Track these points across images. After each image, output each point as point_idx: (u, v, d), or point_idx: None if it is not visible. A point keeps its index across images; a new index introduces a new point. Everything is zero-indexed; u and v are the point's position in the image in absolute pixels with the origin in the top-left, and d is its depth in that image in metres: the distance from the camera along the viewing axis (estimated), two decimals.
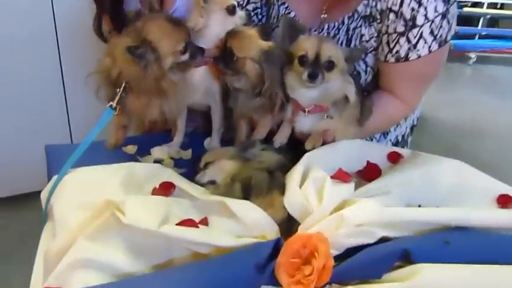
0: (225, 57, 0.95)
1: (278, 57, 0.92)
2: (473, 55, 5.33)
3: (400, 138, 1.21)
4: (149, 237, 0.69)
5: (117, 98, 0.96)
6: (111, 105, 0.96)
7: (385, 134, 1.18)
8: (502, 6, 6.01)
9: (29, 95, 2.13)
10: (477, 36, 5.64)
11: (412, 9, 0.93)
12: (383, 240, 0.66)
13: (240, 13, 1.04)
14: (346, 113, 0.90)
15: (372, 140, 1.16)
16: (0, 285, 1.79)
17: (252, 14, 1.15)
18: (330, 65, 0.87)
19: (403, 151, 0.95)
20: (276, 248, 0.66)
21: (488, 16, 5.65)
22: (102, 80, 0.99)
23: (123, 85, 0.94)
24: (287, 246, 0.65)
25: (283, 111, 0.94)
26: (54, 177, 0.91)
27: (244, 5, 1.15)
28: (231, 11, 1.02)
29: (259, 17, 1.17)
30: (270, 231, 0.73)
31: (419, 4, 0.92)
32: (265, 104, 0.94)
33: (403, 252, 0.63)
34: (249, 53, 0.92)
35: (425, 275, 0.58)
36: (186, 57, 0.96)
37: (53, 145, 1.15)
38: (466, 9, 5.55)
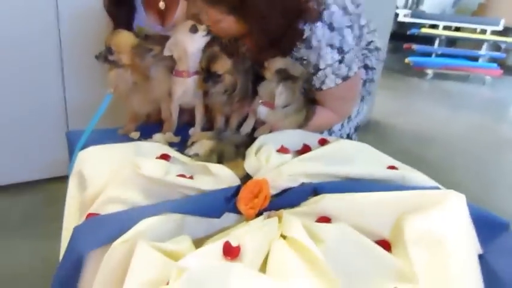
0: (210, 77, 1.33)
1: (245, 68, 1.31)
2: (430, 71, 5.84)
3: (345, 136, 1.57)
4: (156, 184, 1.05)
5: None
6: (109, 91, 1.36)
7: (330, 132, 1.54)
8: (459, 28, 6.61)
9: (28, 91, 2.23)
10: (434, 55, 6.22)
11: (316, 59, 1.27)
12: (302, 184, 1.06)
13: (202, 27, 1.35)
14: (292, 116, 1.30)
15: None
16: (6, 257, 1.99)
17: None
18: None
19: (330, 138, 1.36)
20: (237, 190, 1.05)
21: (443, 37, 6.23)
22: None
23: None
24: (245, 187, 1.04)
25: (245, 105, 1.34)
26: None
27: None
28: (193, 30, 1.36)
29: None
30: (235, 182, 1.12)
31: (320, 56, 1.26)
32: (229, 100, 1.35)
33: (313, 190, 1.02)
34: (226, 69, 1.31)
35: (326, 200, 0.98)
36: None
37: (73, 130, 1.51)
38: (423, 30, 6.12)
